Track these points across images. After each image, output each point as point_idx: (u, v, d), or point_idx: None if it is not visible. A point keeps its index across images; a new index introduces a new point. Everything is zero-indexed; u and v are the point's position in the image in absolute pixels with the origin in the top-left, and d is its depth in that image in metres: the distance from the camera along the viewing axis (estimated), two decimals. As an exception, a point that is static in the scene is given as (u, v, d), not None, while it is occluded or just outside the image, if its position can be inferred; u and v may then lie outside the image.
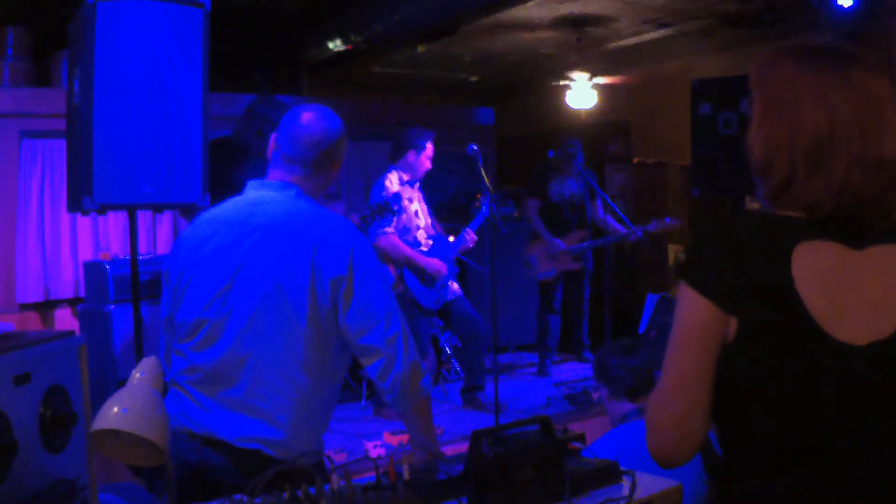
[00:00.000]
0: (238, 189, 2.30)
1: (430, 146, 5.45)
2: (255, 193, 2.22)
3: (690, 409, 1.32)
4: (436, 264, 5.36)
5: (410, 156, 5.44)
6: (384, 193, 5.34)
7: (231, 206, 2.23)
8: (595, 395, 5.22)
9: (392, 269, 5.41)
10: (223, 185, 3.96)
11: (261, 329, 2.07)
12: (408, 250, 5.33)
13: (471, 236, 5.48)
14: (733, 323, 1.29)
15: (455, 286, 5.58)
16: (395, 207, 5.23)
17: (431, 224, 5.65)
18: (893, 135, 1.30)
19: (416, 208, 5.51)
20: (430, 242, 5.51)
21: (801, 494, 1.31)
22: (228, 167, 4.37)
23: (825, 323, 1.27)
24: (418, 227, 5.49)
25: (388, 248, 5.31)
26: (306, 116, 2.22)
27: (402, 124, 8.22)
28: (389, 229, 5.31)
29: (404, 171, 5.45)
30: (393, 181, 5.41)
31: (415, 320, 5.32)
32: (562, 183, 6.55)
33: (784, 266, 1.28)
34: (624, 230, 6.26)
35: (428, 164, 5.48)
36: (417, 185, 5.55)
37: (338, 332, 2.09)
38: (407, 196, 5.44)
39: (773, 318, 1.28)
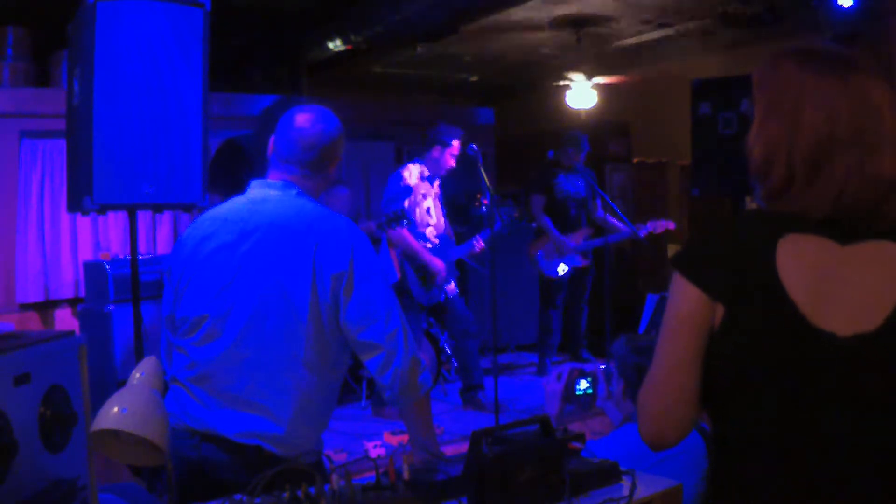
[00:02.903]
0: None
1: (456, 144, 5.45)
2: (257, 192, 2.24)
3: (680, 394, 1.36)
4: (437, 263, 5.36)
5: (435, 151, 5.44)
6: (401, 183, 5.35)
7: (233, 205, 2.25)
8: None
9: (395, 258, 5.41)
10: (237, 185, 3.96)
11: (262, 326, 2.08)
12: (414, 243, 5.33)
13: (479, 244, 5.49)
14: (719, 310, 1.32)
15: (452, 287, 5.58)
16: (406, 203, 5.26)
17: (444, 224, 5.63)
18: (891, 147, 1.31)
19: (430, 205, 5.50)
20: (437, 241, 5.51)
21: (785, 483, 1.32)
22: (242, 168, 4.36)
23: (808, 313, 1.29)
24: (428, 224, 5.48)
25: (396, 238, 5.31)
26: (301, 118, 2.23)
27: (402, 124, 8.25)
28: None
29: (427, 166, 5.46)
30: (412, 174, 5.41)
31: (408, 315, 5.32)
32: (568, 179, 6.53)
33: (768, 255, 1.31)
34: (627, 228, 6.27)
35: (452, 162, 5.47)
36: (437, 182, 5.55)
37: (339, 329, 2.10)
38: (422, 192, 5.44)
39: (756, 305, 1.31)
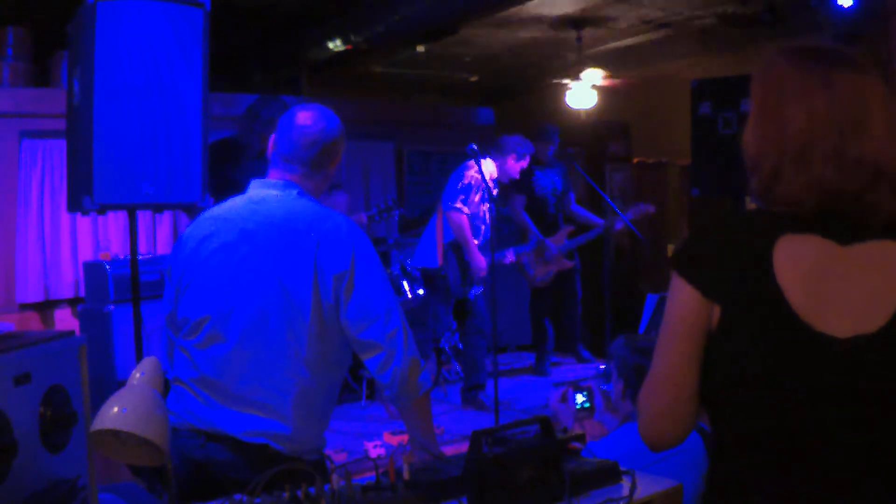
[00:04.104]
0: (239, 188, 2.31)
1: (527, 160, 5.61)
2: (258, 192, 2.25)
3: (680, 394, 1.36)
4: (480, 261, 5.39)
5: (511, 159, 5.55)
6: (477, 176, 5.34)
7: (233, 204, 2.26)
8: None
9: (440, 243, 5.42)
10: (224, 184, 3.96)
11: (264, 326, 2.08)
12: (469, 236, 5.37)
13: (509, 257, 5.52)
14: (716, 311, 1.33)
15: (479, 287, 5.63)
16: (477, 196, 5.33)
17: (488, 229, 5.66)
18: (875, 136, 1.32)
19: (486, 208, 5.51)
20: (478, 242, 5.54)
21: (784, 484, 1.32)
22: (229, 167, 4.38)
23: (805, 313, 1.29)
24: (486, 223, 5.50)
25: (456, 223, 5.36)
26: (302, 116, 2.24)
27: (402, 124, 8.26)
28: (465, 209, 5.36)
29: (497, 169, 5.50)
30: (487, 170, 5.40)
31: (439, 304, 5.36)
32: (545, 175, 6.45)
33: (765, 256, 1.31)
34: (602, 220, 6.22)
35: (516, 175, 5.62)
36: (496, 189, 5.59)
37: (340, 329, 2.11)
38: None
39: (752, 307, 1.31)
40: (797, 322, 1.28)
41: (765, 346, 1.30)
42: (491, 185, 5.46)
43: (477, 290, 5.58)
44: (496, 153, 5.57)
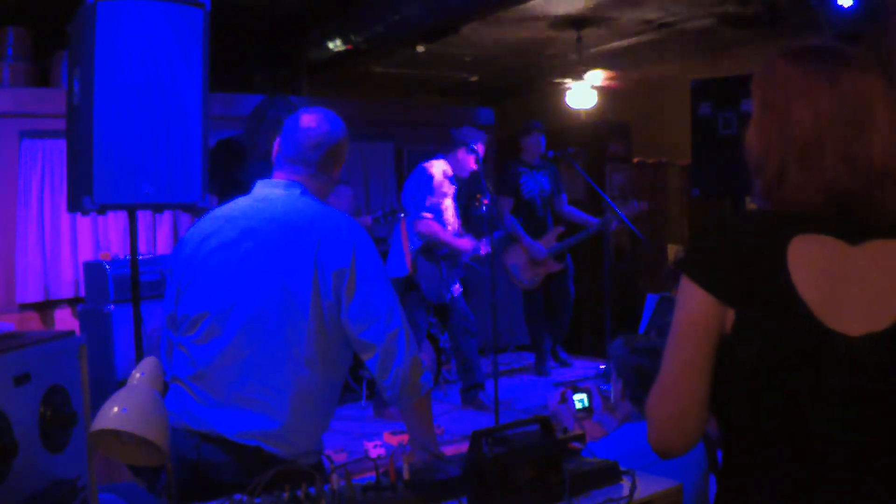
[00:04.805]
0: (244, 189, 2.32)
1: (480, 148, 5.46)
2: (261, 192, 2.26)
3: (690, 401, 1.34)
4: (464, 245, 5.38)
5: (460, 153, 5.47)
6: (427, 178, 5.34)
7: (236, 204, 2.27)
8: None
9: (407, 252, 5.40)
10: (230, 185, 3.96)
11: (264, 323, 2.08)
12: (445, 234, 5.35)
13: (485, 248, 5.49)
14: (730, 314, 1.31)
15: (458, 287, 5.58)
16: (431, 200, 5.32)
17: (458, 225, 5.63)
18: (881, 134, 1.32)
19: (449, 205, 5.50)
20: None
21: (798, 486, 1.31)
22: (234, 168, 4.38)
23: (819, 313, 1.29)
24: (448, 223, 5.49)
25: (427, 232, 5.32)
26: (307, 119, 2.26)
27: (402, 124, 8.26)
28: (428, 214, 5.33)
29: (451, 165, 5.47)
30: (438, 170, 5.40)
31: (415, 310, 5.34)
32: (533, 178, 6.38)
33: (779, 257, 1.30)
34: (595, 220, 6.19)
35: (473, 166, 5.48)
36: (455, 185, 5.56)
37: (340, 327, 2.11)
38: (444, 189, 5.45)
39: (768, 308, 1.30)
40: (814, 322, 1.28)
41: (782, 347, 1.29)
42: (448, 182, 5.44)
43: (455, 293, 5.52)
44: (447, 150, 5.52)
